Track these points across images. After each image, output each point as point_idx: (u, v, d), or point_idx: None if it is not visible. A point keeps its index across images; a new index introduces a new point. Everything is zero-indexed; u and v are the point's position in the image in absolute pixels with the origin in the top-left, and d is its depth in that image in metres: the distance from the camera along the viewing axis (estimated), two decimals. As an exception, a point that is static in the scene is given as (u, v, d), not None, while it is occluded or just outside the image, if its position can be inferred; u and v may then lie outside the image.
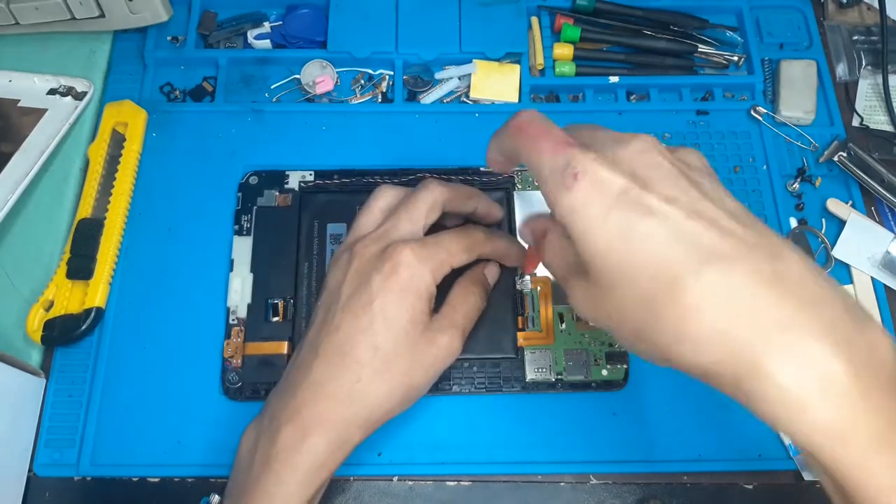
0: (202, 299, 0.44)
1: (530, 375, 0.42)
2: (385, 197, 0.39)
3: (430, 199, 0.38)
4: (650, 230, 0.25)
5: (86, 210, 0.45)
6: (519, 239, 0.41)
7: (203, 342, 0.43)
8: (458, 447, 0.41)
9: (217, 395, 0.42)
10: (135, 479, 0.41)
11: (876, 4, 0.53)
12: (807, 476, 0.41)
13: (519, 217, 0.46)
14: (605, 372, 0.43)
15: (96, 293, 0.43)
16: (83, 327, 0.42)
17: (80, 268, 0.43)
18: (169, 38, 0.51)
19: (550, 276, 0.45)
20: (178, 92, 0.50)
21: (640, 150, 0.27)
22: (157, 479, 0.41)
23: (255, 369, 0.42)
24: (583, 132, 0.29)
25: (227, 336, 0.43)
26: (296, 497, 0.33)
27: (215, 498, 0.40)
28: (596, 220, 0.26)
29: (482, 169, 0.47)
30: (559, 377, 0.42)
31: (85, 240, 0.44)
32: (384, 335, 0.35)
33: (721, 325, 0.24)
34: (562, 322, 0.44)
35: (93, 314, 0.43)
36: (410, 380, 0.35)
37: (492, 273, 0.41)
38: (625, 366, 0.43)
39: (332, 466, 0.34)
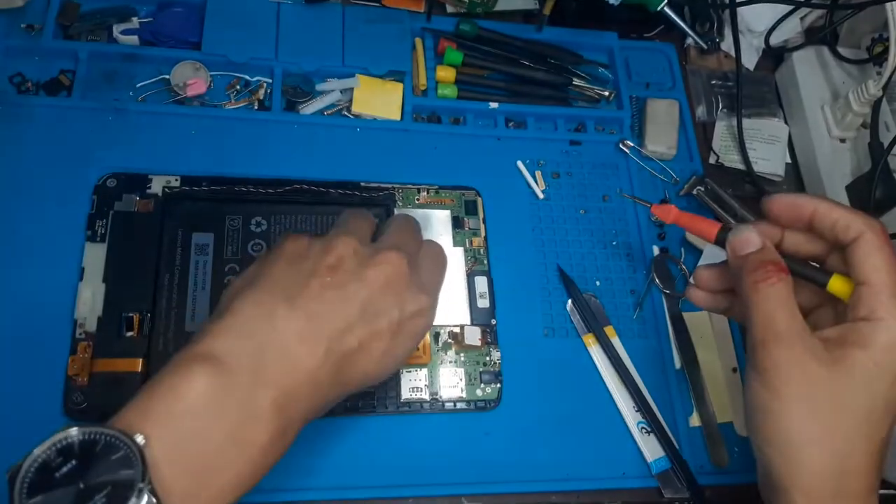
0: (45, 310, 0.40)
1: (405, 395, 0.41)
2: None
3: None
4: None
5: None
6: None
7: (44, 358, 0.39)
8: (327, 471, 0.40)
9: (59, 417, 0.38)
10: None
11: (733, 52, 0.57)
12: (667, 493, 0.42)
13: None
14: (479, 391, 0.42)
15: (-83, 300, 0.38)
16: None
17: None
18: (23, 25, 0.47)
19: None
20: (30, 84, 0.46)
21: None
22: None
23: (103, 389, 0.38)
24: None
25: (73, 352, 0.39)
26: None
27: None
28: None
29: (362, 184, 0.47)
30: (434, 396, 0.42)
31: None
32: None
33: None
34: (438, 341, 0.43)
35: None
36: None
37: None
38: (499, 385, 0.43)
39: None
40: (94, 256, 0.41)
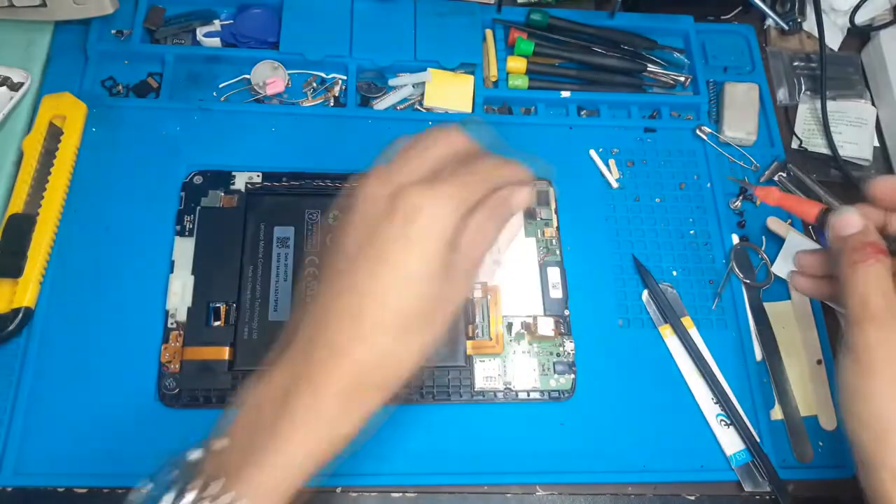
0: (139, 301, 0.42)
1: (479, 384, 0.42)
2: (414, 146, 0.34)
3: (447, 142, 0.34)
4: None
5: (17, 205, 0.43)
6: None
7: (139, 346, 0.41)
8: (404, 458, 0.41)
9: (152, 402, 0.40)
10: (60, 490, 0.38)
11: (815, 33, 0.55)
12: (747, 487, 0.42)
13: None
14: (553, 382, 0.42)
15: (25, 292, 0.41)
16: (10, 328, 0.40)
17: (9, 265, 0.41)
18: (113, 31, 0.50)
19: (499, 286, 0.44)
20: (121, 87, 0.48)
21: None
22: (84, 490, 0.38)
23: (193, 375, 0.40)
24: None
25: (165, 340, 0.41)
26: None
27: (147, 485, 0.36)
28: None
29: (434, 176, 0.47)
30: (508, 386, 0.42)
31: (15, 236, 0.42)
32: (406, 294, 0.31)
33: None
34: (511, 331, 0.43)
35: (21, 314, 0.40)
36: (434, 333, 0.32)
37: (521, 197, 0.35)
38: (573, 376, 0.43)
39: (347, 440, 0.31)
40: (183, 250, 0.43)
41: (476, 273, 0.34)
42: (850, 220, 0.35)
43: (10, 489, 0.38)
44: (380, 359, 0.30)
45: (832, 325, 0.47)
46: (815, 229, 0.50)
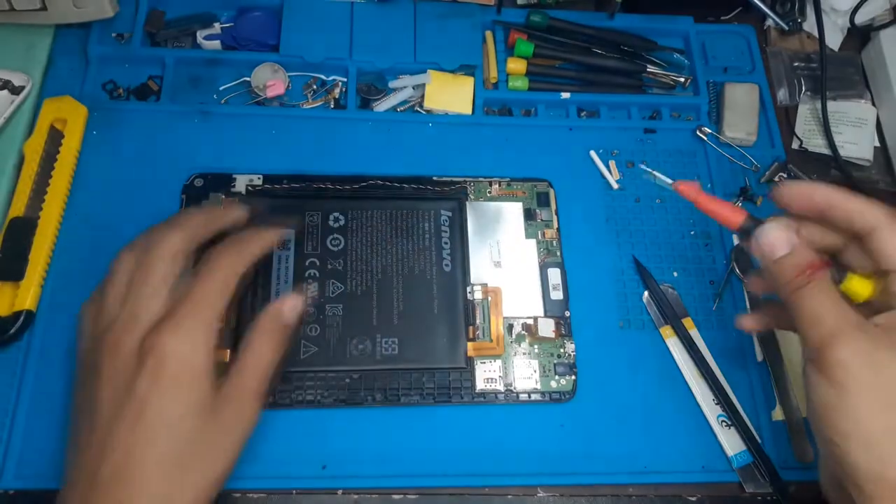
0: (141, 304, 0.42)
1: (480, 386, 0.42)
2: (123, 263, 0.35)
3: (168, 254, 0.34)
4: None
5: (18, 208, 0.43)
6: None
7: (140, 349, 0.41)
8: (405, 459, 0.41)
9: (154, 404, 0.40)
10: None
11: (816, 33, 0.55)
12: (748, 488, 0.42)
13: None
14: (554, 383, 0.43)
15: (27, 295, 0.41)
16: (12, 331, 0.40)
17: (10, 268, 0.41)
18: (114, 34, 0.50)
19: (500, 287, 0.44)
20: (121, 90, 0.48)
21: None
22: (86, 493, 0.38)
23: (195, 378, 0.40)
24: None
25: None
26: None
27: None
28: None
29: (434, 178, 0.47)
30: (509, 388, 0.42)
31: (16, 239, 0.42)
32: (168, 442, 0.31)
33: None
34: (511, 332, 0.43)
35: (22, 317, 0.40)
36: (214, 471, 0.32)
37: (289, 308, 0.37)
38: (574, 377, 0.43)
39: None
40: (184, 253, 0.43)
41: (253, 400, 0.34)
42: (776, 241, 0.33)
43: (12, 492, 0.38)
44: None
45: (833, 325, 0.47)
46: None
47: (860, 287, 0.33)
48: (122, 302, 0.34)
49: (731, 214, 0.34)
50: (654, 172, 0.39)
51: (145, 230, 0.37)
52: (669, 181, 0.38)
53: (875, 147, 0.54)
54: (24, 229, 0.42)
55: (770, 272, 0.33)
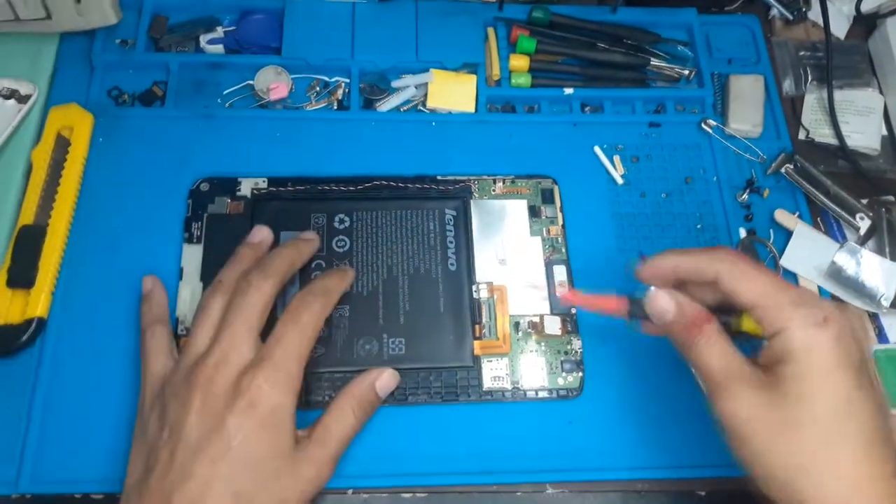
0: (150, 309, 0.43)
1: (487, 384, 0.42)
2: (215, 301, 0.38)
3: (261, 303, 0.37)
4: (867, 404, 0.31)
5: (28, 217, 0.43)
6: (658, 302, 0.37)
7: (151, 353, 0.42)
8: (414, 458, 0.41)
9: (165, 408, 0.41)
10: (78, 496, 0.39)
11: (821, 22, 0.54)
12: (758, 482, 0.42)
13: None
14: (561, 380, 0.43)
15: (38, 303, 0.41)
16: (24, 338, 0.41)
17: (21, 276, 0.42)
18: (118, 41, 0.50)
19: (506, 285, 0.45)
20: (126, 96, 0.49)
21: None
22: (101, 496, 0.39)
23: (204, 381, 0.41)
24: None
25: (176, 346, 0.41)
26: None
27: None
28: (839, 363, 0.30)
29: (438, 177, 0.47)
30: (516, 385, 0.42)
31: (26, 247, 0.42)
32: (246, 479, 0.32)
33: None
34: (518, 330, 0.44)
35: (34, 324, 0.41)
36: None
37: (384, 383, 0.39)
38: (581, 374, 0.43)
39: None
40: (192, 257, 0.44)
41: (329, 463, 0.36)
42: (662, 309, 0.35)
43: (28, 496, 0.39)
44: None
45: (842, 317, 0.47)
46: (824, 220, 0.50)
47: (751, 325, 0.35)
48: (214, 341, 0.36)
49: (617, 304, 0.37)
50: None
51: (235, 265, 0.40)
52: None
53: (882, 136, 0.53)
54: (33, 237, 0.43)
55: (665, 334, 0.36)
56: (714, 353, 0.33)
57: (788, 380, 0.31)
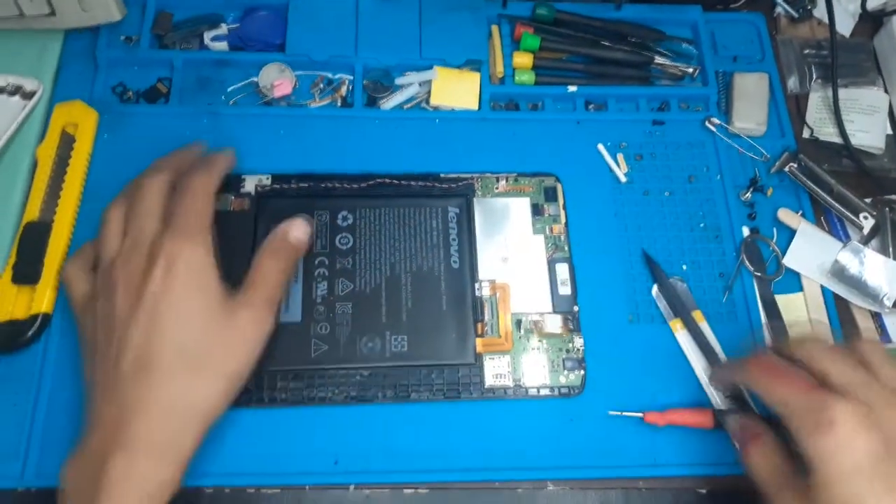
0: (154, 305, 0.43)
1: (489, 382, 0.42)
2: (113, 214, 0.39)
3: (156, 185, 0.38)
4: None
5: (33, 213, 0.43)
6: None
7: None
8: (416, 454, 0.41)
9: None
10: (81, 491, 0.39)
11: (826, 19, 0.54)
12: (759, 480, 0.42)
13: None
14: (563, 378, 0.43)
15: (43, 298, 0.42)
16: (29, 333, 0.41)
17: (26, 272, 0.42)
18: (122, 37, 0.50)
19: (508, 283, 0.45)
20: (131, 93, 0.49)
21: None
22: (104, 491, 0.39)
23: (208, 377, 0.41)
24: (818, 360, 0.35)
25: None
26: None
27: None
28: (845, 471, 0.31)
29: (442, 175, 0.47)
30: (518, 383, 0.42)
31: (31, 243, 0.43)
32: (185, 333, 0.34)
33: None
34: (520, 328, 0.44)
35: (39, 320, 0.41)
36: (226, 369, 0.35)
37: (296, 229, 0.41)
38: (583, 372, 0.43)
39: (173, 485, 0.33)
40: (195, 254, 0.44)
41: (266, 307, 0.37)
42: (730, 426, 0.41)
43: (34, 490, 0.39)
44: (180, 396, 0.33)
45: (845, 316, 0.47)
46: (827, 219, 0.50)
47: None
48: (123, 236, 0.37)
49: (701, 417, 0.42)
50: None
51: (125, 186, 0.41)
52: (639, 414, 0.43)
53: (887, 135, 0.53)
54: (38, 233, 0.43)
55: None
56: (761, 464, 0.36)
57: (815, 488, 0.32)
